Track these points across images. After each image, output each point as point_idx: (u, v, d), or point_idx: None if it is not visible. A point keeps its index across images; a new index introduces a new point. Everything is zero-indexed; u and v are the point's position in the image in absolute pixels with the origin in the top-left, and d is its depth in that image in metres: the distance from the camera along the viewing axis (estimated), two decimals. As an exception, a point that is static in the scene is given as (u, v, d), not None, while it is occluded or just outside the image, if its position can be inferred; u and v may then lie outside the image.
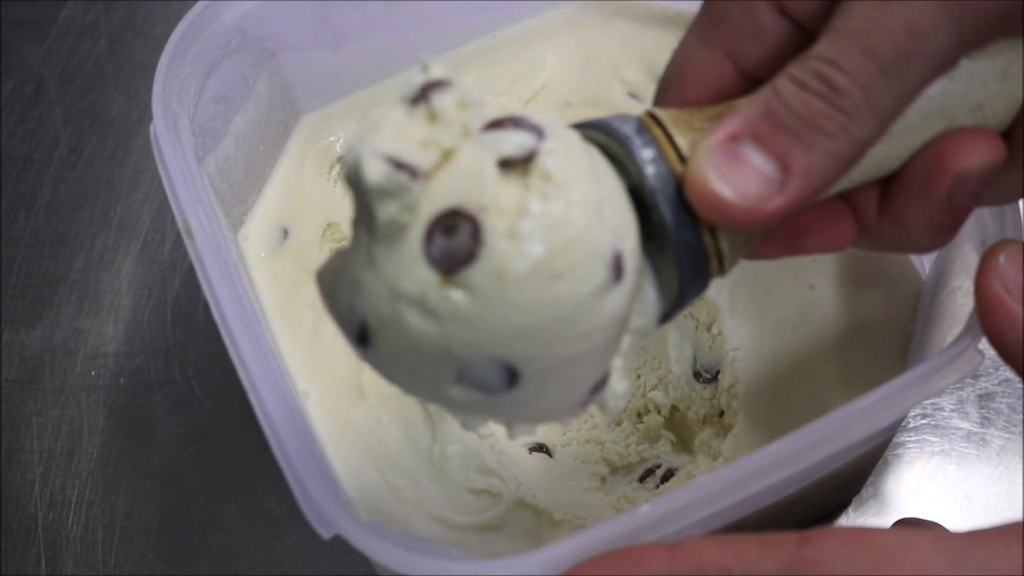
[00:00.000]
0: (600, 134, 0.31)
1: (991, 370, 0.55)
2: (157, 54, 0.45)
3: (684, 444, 0.48)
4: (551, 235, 0.28)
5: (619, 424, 0.48)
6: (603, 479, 0.47)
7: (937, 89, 0.32)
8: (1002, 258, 0.33)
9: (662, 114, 0.31)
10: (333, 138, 0.54)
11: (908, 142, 0.32)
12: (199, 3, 0.46)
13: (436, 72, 0.29)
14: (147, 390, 0.56)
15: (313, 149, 0.53)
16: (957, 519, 0.52)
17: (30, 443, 0.55)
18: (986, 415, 0.54)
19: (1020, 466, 0.53)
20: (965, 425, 0.54)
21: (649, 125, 0.31)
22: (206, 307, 0.40)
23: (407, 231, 0.28)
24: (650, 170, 0.30)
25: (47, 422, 0.56)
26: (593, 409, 0.49)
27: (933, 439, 0.54)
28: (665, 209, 0.30)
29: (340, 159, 0.54)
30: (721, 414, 0.47)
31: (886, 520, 0.52)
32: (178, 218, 0.42)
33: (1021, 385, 0.55)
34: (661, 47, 0.54)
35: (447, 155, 0.28)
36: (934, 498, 0.53)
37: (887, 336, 0.47)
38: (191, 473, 0.54)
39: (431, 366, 0.29)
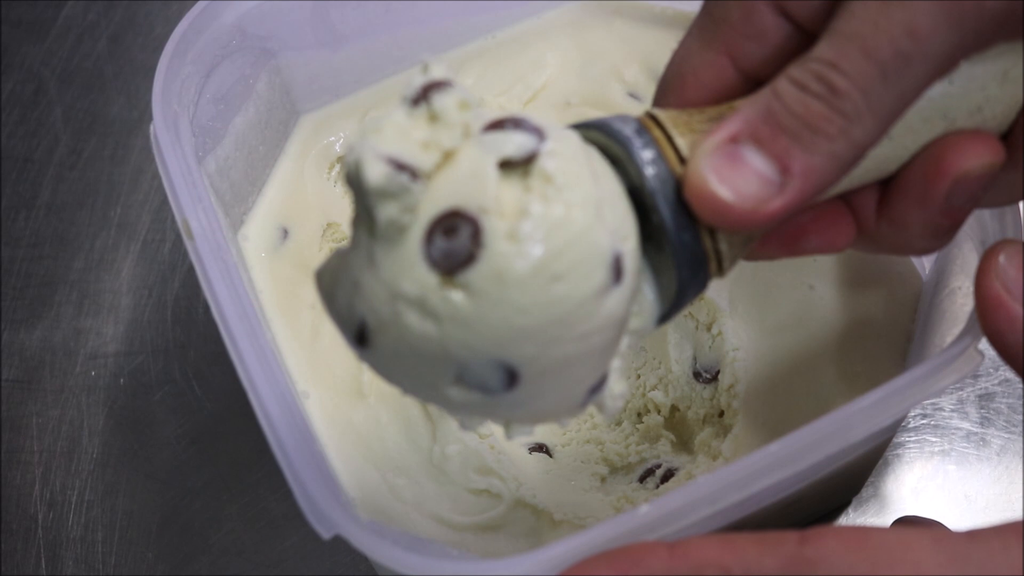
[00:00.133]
0: (600, 135, 0.31)
1: (991, 370, 0.55)
2: (157, 54, 0.45)
3: (684, 444, 0.48)
4: (551, 237, 0.28)
5: (619, 424, 0.48)
6: (603, 479, 0.47)
7: (937, 91, 0.32)
8: (1002, 258, 0.33)
9: (662, 115, 0.31)
10: (333, 138, 0.54)
11: (907, 144, 0.32)
12: (199, 3, 0.46)
13: (437, 73, 0.29)
14: (147, 390, 0.56)
15: (313, 149, 0.53)
16: (957, 519, 0.52)
17: (30, 443, 0.55)
18: (986, 415, 0.54)
19: (1020, 466, 0.53)
20: (965, 425, 0.54)
21: (649, 126, 0.31)
22: (206, 307, 0.40)
23: (407, 232, 0.28)
24: (650, 171, 0.30)
25: (47, 422, 0.56)
26: (592, 409, 0.49)
27: (933, 439, 0.54)
28: (664, 210, 0.30)
29: (340, 159, 0.54)
30: (721, 414, 0.47)
31: (886, 520, 0.52)
32: (178, 218, 0.42)
33: (1021, 385, 0.55)
34: (661, 47, 0.54)
35: (448, 156, 0.28)
36: (934, 498, 0.53)
37: (887, 336, 0.47)
38: (191, 473, 0.54)
39: (430, 367, 0.29)
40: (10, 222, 0.61)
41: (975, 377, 0.55)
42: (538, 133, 0.29)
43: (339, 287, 0.30)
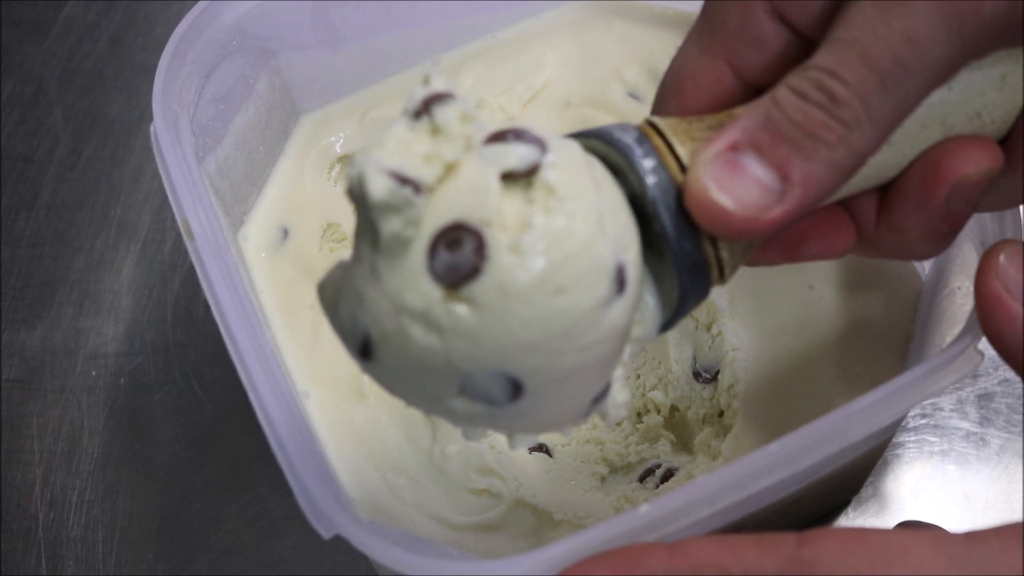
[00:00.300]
0: (601, 144, 0.31)
1: (990, 370, 0.55)
2: (157, 54, 0.45)
3: (684, 444, 0.48)
4: (554, 249, 0.28)
5: (619, 424, 0.48)
6: (603, 479, 0.47)
7: (935, 97, 0.32)
8: (1002, 258, 0.33)
9: (662, 123, 0.31)
10: (333, 138, 0.54)
11: (906, 150, 0.32)
12: (199, 3, 0.46)
13: (438, 85, 0.29)
14: (147, 390, 0.56)
15: (313, 149, 0.53)
16: (956, 519, 0.52)
17: (30, 443, 0.55)
18: (985, 415, 0.54)
19: (1020, 466, 0.53)
20: (965, 425, 0.54)
21: (649, 134, 0.31)
22: (206, 307, 0.40)
23: (411, 245, 0.28)
24: (651, 180, 0.30)
25: (47, 422, 0.56)
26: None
27: (933, 439, 0.54)
28: (666, 219, 0.30)
29: (341, 159, 0.54)
30: (721, 414, 0.47)
31: (886, 520, 0.52)
32: (178, 218, 0.42)
33: (1021, 385, 0.55)
34: (661, 47, 0.54)
35: (450, 169, 0.28)
36: (934, 498, 0.53)
37: (887, 336, 0.47)
38: (191, 473, 0.54)
39: (434, 379, 0.29)
40: (10, 222, 0.61)
41: (975, 377, 0.55)
42: (540, 144, 0.29)
43: (342, 300, 0.30)
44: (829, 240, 0.34)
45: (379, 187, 0.27)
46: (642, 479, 0.47)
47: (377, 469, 0.46)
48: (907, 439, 0.54)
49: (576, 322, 0.28)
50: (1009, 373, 0.55)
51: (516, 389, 0.29)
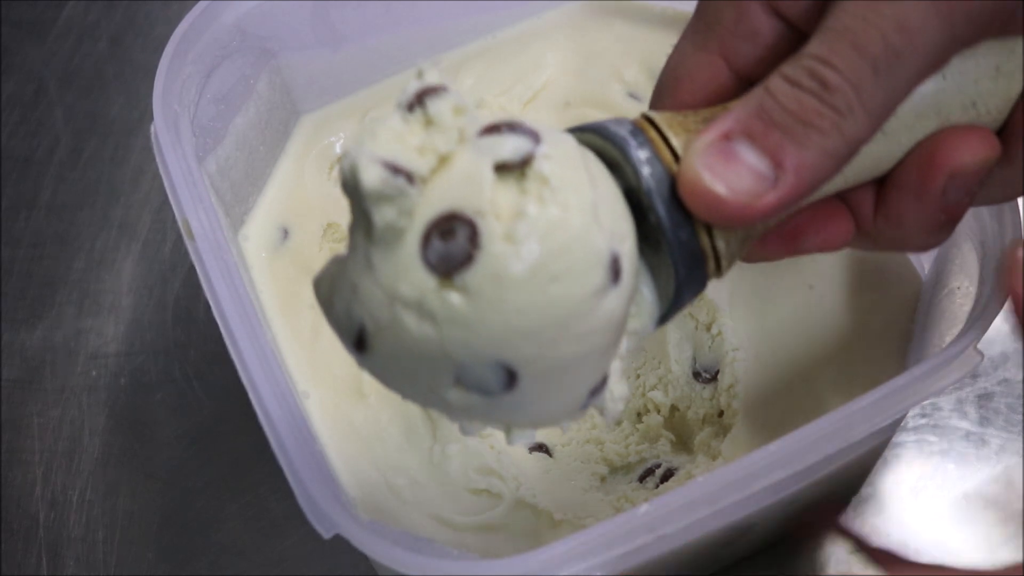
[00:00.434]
0: (596, 137, 0.31)
1: (990, 370, 0.55)
2: (158, 55, 0.45)
3: (684, 444, 0.48)
4: (548, 238, 0.28)
5: (619, 424, 0.48)
6: (603, 479, 0.47)
7: (930, 87, 0.32)
8: None
9: (657, 116, 0.31)
10: (333, 138, 0.54)
11: (902, 140, 0.32)
12: (199, 4, 0.46)
13: (431, 78, 0.29)
14: (148, 390, 0.56)
15: (313, 149, 0.53)
16: (956, 519, 0.52)
17: (31, 443, 0.55)
18: (985, 415, 0.55)
19: (1020, 466, 0.53)
20: (964, 425, 0.54)
21: (644, 127, 0.31)
22: (207, 307, 0.40)
23: (404, 235, 0.28)
24: (645, 171, 0.30)
25: (48, 422, 0.56)
26: (592, 411, 0.49)
27: (932, 439, 0.54)
28: (660, 208, 0.30)
29: (341, 159, 0.54)
30: (720, 414, 0.47)
31: (886, 520, 0.52)
32: (179, 218, 0.42)
33: (1020, 385, 0.55)
34: (661, 47, 0.54)
35: (443, 160, 0.29)
36: (933, 498, 0.53)
37: (886, 336, 0.47)
38: (192, 473, 0.54)
39: (429, 370, 0.29)
40: (11, 222, 0.61)
41: (974, 377, 0.55)
42: (534, 136, 0.29)
43: (337, 293, 0.30)
44: (827, 232, 0.34)
45: (372, 176, 0.27)
46: (642, 479, 0.47)
47: (377, 469, 0.46)
48: (907, 439, 0.54)
49: (570, 310, 0.28)
50: (1009, 373, 0.55)
51: (511, 378, 0.29)
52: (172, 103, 0.45)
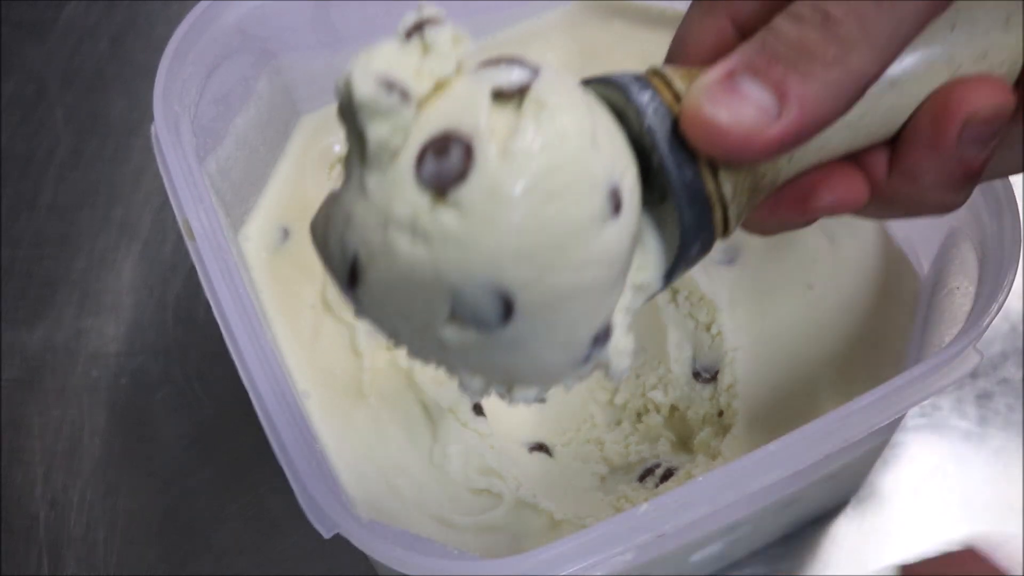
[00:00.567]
0: (600, 87, 0.31)
1: (989, 370, 0.55)
2: (158, 55, 0.45)
3: (683, 444, 0.48)
4: (544, 154, 0.27)
5: (619, 424, 0.49)
6: (603, 479, 0.47)
7: (939, 37, 0.31)
8: None
9: (663, 68, 0.31)
10: (333, 139, 0.54)
11: (913, 91, 0.32)
12: (200, 4, 0.46)
13: (430, 11, 0.29)
14: (148, 390, 0.56)
15: (314, 149, 0.54)
16: (955, 519, 0.53)
17: (31, 443, 0.55)
18: (984, 415, 0.55)
19: (1019, 466, 0.53)
20: (963, 425, 0.54)
21: (649, 76, 0.31)
22: (207, 307, 0.40)
23: (398, 156, 0.28)
24: (648, 108, 0.30)
25: (48, 422, 0.56)
26: (593, 408, 0.49)
27: (931, 439, 0.54)
28: (663, 146, 0.30)
29: (341, 159, 0.54)
30: (720, 414, 0.47)
31: (885, 520, 0.53)
32: (179, 218, 0.42)
33: (1020, 385, 0.55)
34: (661, 47, 0.53)
35: (440, 87, 0.28)
36: (933, 498, 0.53)
37: (886, 336, 0.47)
38: (192, 472, 0.54)
39: (423, 299, 0.29)
40: (12, 222, 0.61)
41: (973, 377, 0.55)
42: (533, 69, 0.29)
43: (331, 228, 0.30)
44: (840, 191, 0.33)
45: (366, 87, 0.27)
46: (642, 479, 0.47)
47: (377, 469, 0.46)
48: (906, 439, 0.54)
49: (568, 234, 0.28)
50: (1008, 373, 0.55)
51: (508, 308, 0.28)
52: (172, 103, 0.45)
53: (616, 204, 0.29)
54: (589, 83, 0.31)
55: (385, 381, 0.48)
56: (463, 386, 0.31)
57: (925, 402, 0.53)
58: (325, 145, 0.54)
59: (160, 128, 0.44)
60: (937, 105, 0.32)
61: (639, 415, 0.49)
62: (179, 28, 0.46)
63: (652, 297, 0.32)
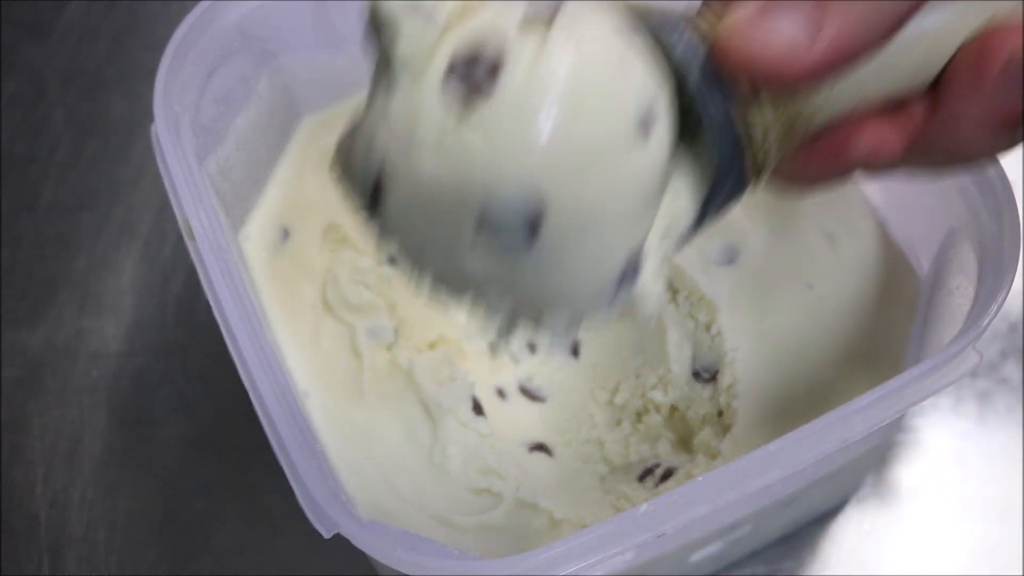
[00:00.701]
0: (641, 18, 0.31)
1: (989, 370, 0.55)
2: (158, 55, 0.45)
3: (683, 444, 0.48)
4: (571, 74, 0.27)
5: (619, 424, 0.49)
6: (603, 479, 0.47)
7: None
8: None
9: (705, 7, 0.31)
10: (333, 138, 0.54)
11: (949, 34, 0.31)
12: (200, 4, 0.46)
13: None
14: (149, 390, 0.56)
15: (314, 150, 0.54)
16: (955, 519, 0.53)
17: (32, 443, 0.55)
18: (984, 415, 0.55)
19: (1019, 466, 0.53)
20: (963, 425, 0.54)
21: (686, 19, 0.30)
22: (207, 307, 0.40)
23: (425, 72, 0.28)
24: (680, 40, 0.29)
25: (49, 422, 0.56)
26: (593, 408, 0.49)
27: (932, 438, 0.54)
28: (697, 75, 0.29)
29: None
30: (720, 414, 0.47)
31: (885, 520, 0.53)
32: (179, 218, 0.42)
33: (1020, 384, 0.55)
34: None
35: (467, 11, 0.28)
36: (932, 498, 0.53)
37: (886, 336, 0.47)
38: (192, 472, 0.54)
39: (449, 216, 0.28)
40: (12, 222, 0.61)
41: (973, 376, 0.55)
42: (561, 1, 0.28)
43: (355, 147, 0.29)
44: (877, 139, 0.32)
45: (392, 4, 0.27)
46: (641, 478, 0.47)
47: (377, 469, 0.46)
48: (906, 438, 0.54)
49: (596, 149, 0.27)
50: (1008, 372, 0.56)
51: (534, 223, 0.28)
52: (173, 104, 0.45)
53: (646, 128, 0.28)
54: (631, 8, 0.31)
55: (385, 381, 0.48)
56: (488, 321, 0.30)
57: (925, 402, 0.53)
58: (325, 145, 0.54)
59: (160, 128, 0.44)
60: (976, 48, 0.31)
61: (639, 415, 0.49)
62: (179, 28, 0.46)
63: (682, 245, 0.31)
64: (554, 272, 0.29)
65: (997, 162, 0.41)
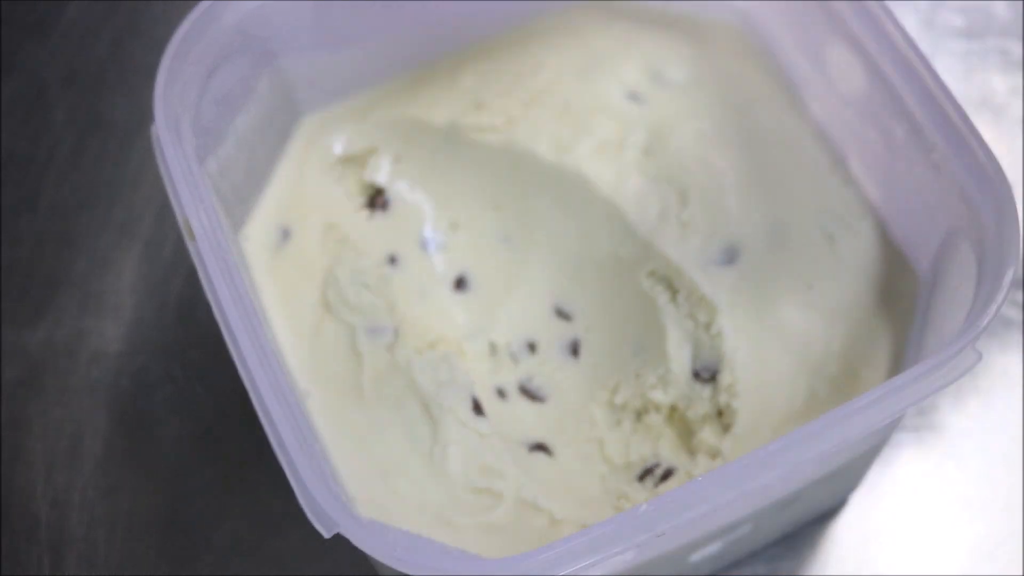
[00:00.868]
0: None
1: (989, 369, 0.55)
2: (159, 56, 0.45)
3: (684, 444, 0.48)
4: None
5: (619, 424, 0.49)
6: (603, 478, 0.47)
7: None
8: None
9: None
10: (333, 138, 0.54)
11: None
12: (200, 4, 0.46)
13: None
14: (149, 390, 0.56)
15: (314, 150, 0.54)
16: (954, 519, 0.53)
17: (32, 443, 0.55)
18: (984, 414, 0.55)
19: (1019, 466, 0.53)
20: (963, 424, 0.54)
21: None
22: (208, 307, 0.40)
23: None
24: None
25: (49, 422, 0.56)
26: (593, 408, 0.49)
27: (931, 438, 0.54)
28: None
29: (341, 160, 0.54)
30: (720, 414, 0.47)
31: (885, 520, 0.53)
32: (179, 219, 0.42)
33: (1020, 384, 0.55)
34: (661, 49, 0.54)
35: None
36: (932, 498, 0.53)
37: (885, 336, 0.47)
38: (193, 472, 0.54)
39: None
40: (12, 223, 0.61)
41: (973, 377, 0.55)
42: None
43: None
44: None
45: None
46: (641, 478, 0.47)
47: (377, 469, 0.46)
48: (905, 438, 0.54)
49: None
50: (1008, 371, 0.56)
51: None
52: (173, 104, 0.45)
53: None
54: None
55: (385, 381, 0.48)
56: None
57: (924, 402, 0.53)
58: (325, 145, 0.54)
59: (160, 128, 0.44)
60: None
61: (639, 415, 0.49)
62: (179, 29, 0.46)
63: None
64: None
65: (997, 162, 0.41)
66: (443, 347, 0.49)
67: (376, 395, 0.47)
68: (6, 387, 0.57)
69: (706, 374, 0.48)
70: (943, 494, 0.53)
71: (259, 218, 0.52)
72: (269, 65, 0.51)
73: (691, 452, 0.48)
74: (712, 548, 0.47)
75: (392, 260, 0.52)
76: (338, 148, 0.54)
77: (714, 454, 0.46)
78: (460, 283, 0.52)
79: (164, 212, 0.61)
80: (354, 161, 0.53)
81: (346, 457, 0.46)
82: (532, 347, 0.51)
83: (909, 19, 0.65)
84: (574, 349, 0.50)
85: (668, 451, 0.48)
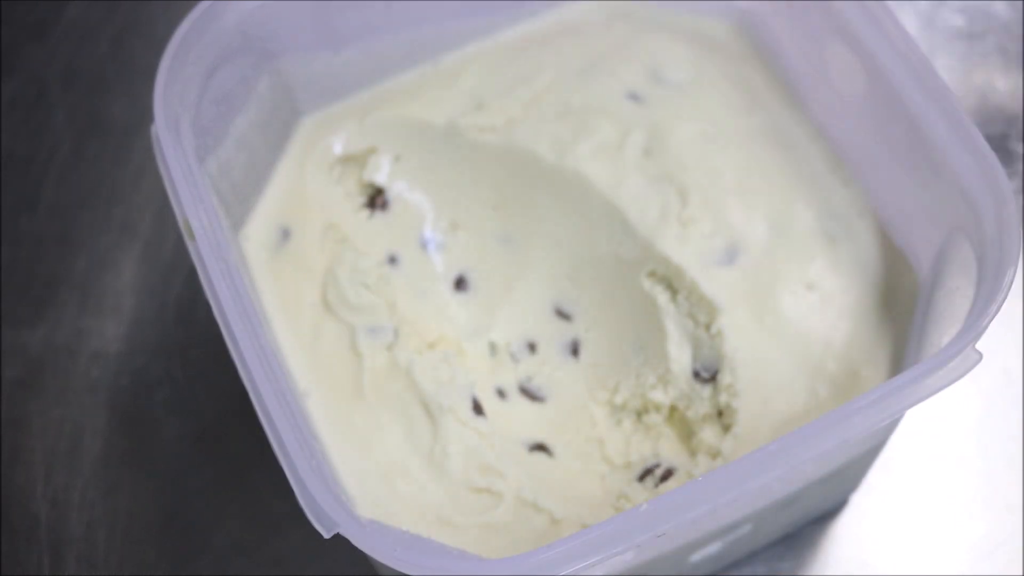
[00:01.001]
0: None
1: (989, 369, 0.55)
2: (159, 56, 0.45)
3: (684, 444, 0.48)
4: None
5: (619, 424, 0.49)
6: (603, 478, 0.47)
7: None
8: None
9: None
10: (334, 138, 0.54)
11: None
12: (200, 5, 0.46)
13: None
14: (149, 390, 0.56)
15: (314, 150, 0.54)
16: (954, 519, 0.53)
17: (32, 443, 0.55)
18: (985, 414, 0.55)
19: (1019, 466, 0.53)
20: (963, 424, 0.54)
21: None
22: (208, 307, 0.40)
23: None
24: None
25: (49, 422, 0.56)
26: (593, 408, 0.49)
27: (931, 438, 0.54)
28: None
29: (341, 160, 0.54)
30: (720, 414, 0.47)
31: (884, 519, 0.53)
32: (179, 218, 0.42)
33: (1020, 384, 0.55)
34: (661, 49, 0.54)
35: None
36: (932, 497, 0.53)
37: (885, 336, 0.47)
38: (192, 472, 0.54)
39: None
40: (13, 223, 0.61)
41: (973, 376, 0.55)
42: None
43: None
44: None
45: None
46: (642, 478, 0.47)
47: (377, 469, 0.46)
48: (905, 438, 0.54)
49: None
50: (1009, 371, 0.56)
51: None
52: (173, 104, 0.45)
53: None
54: None
55: (385, 381, 0.48)
56: None
57: (925, 402, 0.53)
58: (325, 145, 0.54)
59: (160, 128, 0.44)
60: None
61: (639, 415, 0.49)
62: (179, 29, 0.46)
63: None
64: None
65: (997, 162, 0.41)
66: (443, 347, 0.49)
67: (376, 395, 0.47)
68: (6, 387, 0.57)
69: (706, 374, 0.48)
70: (943, 494, 0.53)
71: (259, 218, 0.52)
72: (269, 65, 0.51)
73: (691, 452, 0.48)
74: (712, 548, 0.47)
75: (392, 260, 0.52)
76: (338, 148, 0.54)
77: (714, 454, 0.46)
78: (460, 283, 0.52)
79: (164, 212, 0.61)
80: (354, 161, 0.53)
81: (346, 457, 0.46)
82: (532, 347, 0.51)
83: (909, 19, 0.65)
84: (574, 349, 0.50)
85: (668, 451, 0.48)
